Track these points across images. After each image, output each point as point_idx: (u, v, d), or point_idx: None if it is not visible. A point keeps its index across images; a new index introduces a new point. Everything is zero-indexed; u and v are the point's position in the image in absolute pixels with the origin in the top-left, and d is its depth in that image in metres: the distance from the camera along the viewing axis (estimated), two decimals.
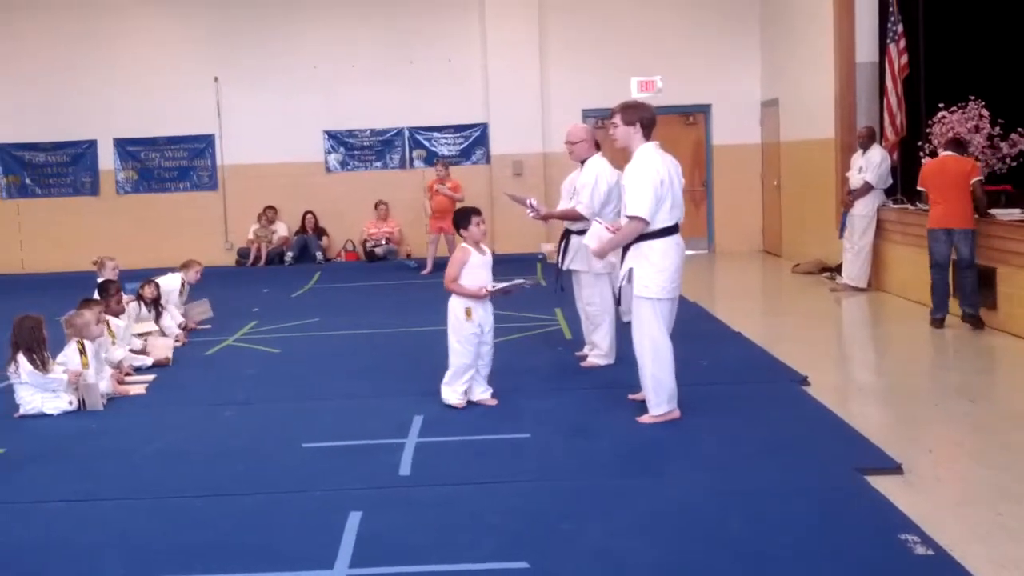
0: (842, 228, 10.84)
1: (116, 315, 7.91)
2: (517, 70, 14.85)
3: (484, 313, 6.16)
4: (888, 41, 10.73)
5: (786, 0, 13.67)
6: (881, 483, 4.58)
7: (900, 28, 10.54)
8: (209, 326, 9.62)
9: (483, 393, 6.28)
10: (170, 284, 9.27)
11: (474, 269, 6.09)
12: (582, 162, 7.17)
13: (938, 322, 8.45)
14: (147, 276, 9.28)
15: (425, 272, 13.57)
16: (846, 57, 11.55)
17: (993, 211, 8.55)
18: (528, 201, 7.25)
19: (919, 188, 8.84)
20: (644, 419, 5.74)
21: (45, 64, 15.22)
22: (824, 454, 5.08)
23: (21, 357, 6.39)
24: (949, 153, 8.63)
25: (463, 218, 6.19)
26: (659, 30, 14.90)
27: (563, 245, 7.30)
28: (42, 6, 15.21)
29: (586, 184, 7.00)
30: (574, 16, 15.00)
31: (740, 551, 3.92)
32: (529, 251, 13.95)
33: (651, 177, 5.52)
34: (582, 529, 4.19)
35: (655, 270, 5.58)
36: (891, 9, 10.64)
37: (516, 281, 6.30)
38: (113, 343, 7.51)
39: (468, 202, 14.30)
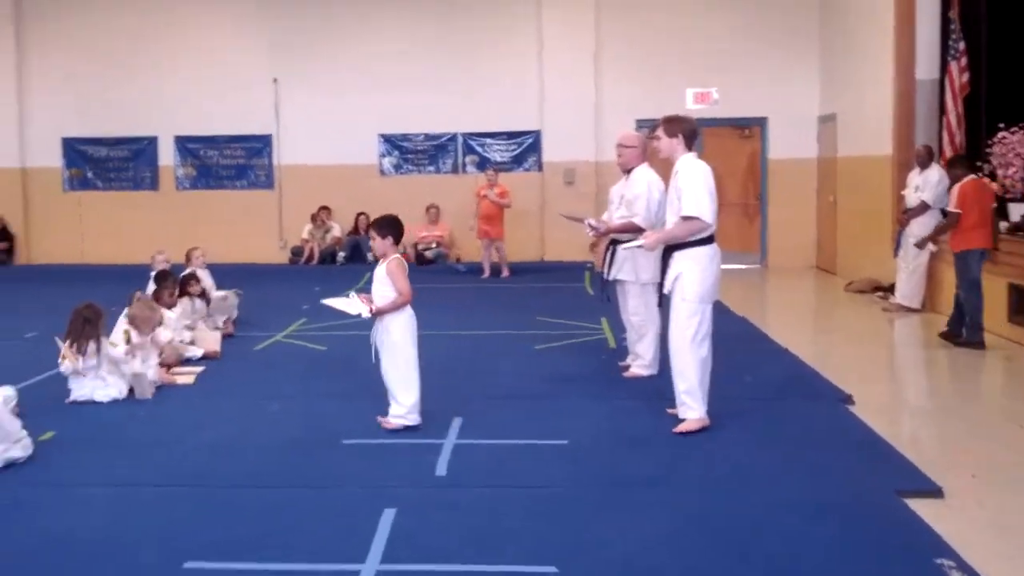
0: (897, 247, 10.68)
1: (169, 307, 8.06)
2: (572, 78, 14.85)
3: (375, 329, 5.94)
4: (949, 58, 10.56)
5: (846, 15, 13.52)
6: (920, 506, 4.52)
7: (962, 46, 10.37)
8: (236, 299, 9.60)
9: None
10: None
11: None
12: (627, 171, 7.16)
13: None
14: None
15: (484, 276, 13.61)
16: (906, 74, 11.39)
17: None
18: (586, 221, 7.24)
19: (955, 210, 8.65)
20: (682, 428, 5.72)
21: (109, 61, 15.61)
22: (864, 474, 5.01)
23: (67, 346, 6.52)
24: (975, 176, 8.82)
25: None
26: (716, 42, 14.78)
27: (609, 256, 7.29)
28: (109, 3, 15.60)
29: (639, 195, 6.97)
30: (630, 25, 14.96)
31: (771, 567, 3.89)
32: (577, 259, 13.94)
33: (707, 182, 5.68)
34: (613, 537, 4.19)
35: (706, 274, 5.69)
36: (953, 26, 10.47)
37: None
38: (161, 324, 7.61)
39: (519, 208, 14.41)
